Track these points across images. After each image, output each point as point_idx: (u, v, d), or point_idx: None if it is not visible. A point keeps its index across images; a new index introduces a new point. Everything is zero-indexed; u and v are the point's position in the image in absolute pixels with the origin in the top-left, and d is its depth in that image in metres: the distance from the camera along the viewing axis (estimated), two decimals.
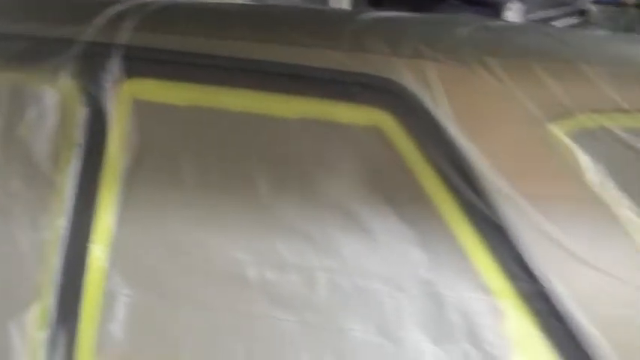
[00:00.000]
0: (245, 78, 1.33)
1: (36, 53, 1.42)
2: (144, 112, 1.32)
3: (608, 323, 1.19)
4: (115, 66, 1.33)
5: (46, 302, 1.34)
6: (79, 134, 1.36)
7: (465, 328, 1.20)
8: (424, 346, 1.19)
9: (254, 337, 1.23)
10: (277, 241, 1.26)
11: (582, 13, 3.89)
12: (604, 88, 1.32)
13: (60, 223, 1.34)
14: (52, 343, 1.33)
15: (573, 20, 3.79)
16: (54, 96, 1.40)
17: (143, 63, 1.34)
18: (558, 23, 3.59)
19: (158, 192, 1.29)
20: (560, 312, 1.19)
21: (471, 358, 1.18)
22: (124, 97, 1.32)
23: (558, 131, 1.31)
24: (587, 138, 1.31)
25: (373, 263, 1.25)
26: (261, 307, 1.23)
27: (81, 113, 1.36)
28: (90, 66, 1.36)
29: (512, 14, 3.25)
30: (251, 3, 2.01)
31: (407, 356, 1.18)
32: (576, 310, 1.18)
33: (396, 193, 1.30)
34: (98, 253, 1.30)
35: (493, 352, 1.19)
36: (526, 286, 1.22)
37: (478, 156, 1.27)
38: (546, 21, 3.51)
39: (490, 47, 1.39)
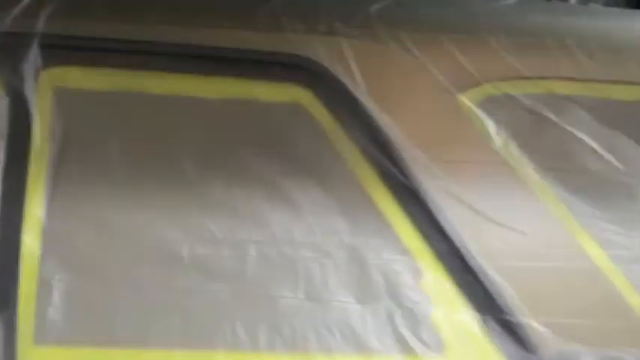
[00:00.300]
0: (165, 61, 1.35)
1: None
2: (66, 99, 1.32)
3: (514, 274, 1.32)
4: (33, 55, 1.32)
5: None
6: (2, 125, 1.37)
7: (388, 287, 1.31)
8: (350, 306, 1.28)
9: (189, 311, 1.27)
10: (207, 218, 1.30)
11: None
12: (507, 57, 1.43)
13: None
14: None
15: None
16: None
17: (62, 51, 1.33)
18: None
19: (86, 177, 1.30)
20: (472, 267, 1.31)
21: (394, 314, 1.29)
22: (44, 85, 1.32)
23: (467, 100, 1.41)
24: (492, 105, 1.41)
25: (300, 233, 1.32)
26: (194, 282, 1.28)
27: (3, 104, 1.36)
28: (9, 56, 1.34)
29: None
30: None
31: (335, 317, 1.27)
32: (486, 264, 1.31)
33: (319, 166, 1.37)
34: (30, 241, 1.31)
35: (413, 307, 1.30)
36: (441, 245, 1.33)
37: (393, 127, 1.36)
38: None
39: (402, 22, 1.47)
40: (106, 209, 1.30)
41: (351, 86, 1.37)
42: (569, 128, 1.41)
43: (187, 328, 1.26)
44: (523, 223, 1.34)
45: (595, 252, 1.35)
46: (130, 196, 1.31)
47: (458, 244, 1.31)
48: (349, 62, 1.39)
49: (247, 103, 1.39)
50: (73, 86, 1.33)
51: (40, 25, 1.31)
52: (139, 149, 1.34)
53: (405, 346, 1.26)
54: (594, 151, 1.41)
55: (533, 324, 1.28)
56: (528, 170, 1.37)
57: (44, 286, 1.25)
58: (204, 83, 1.37)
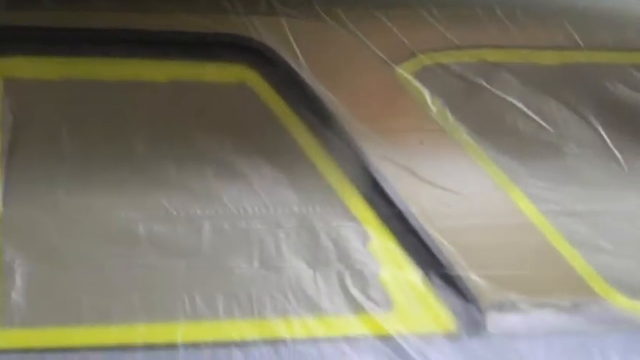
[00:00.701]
0: (113, 48, 1.39)
1: None
2: (16, 89, 1.35)
3: (453, 232, 1.40)
4: None
5: None
6: None
7: (337, 252, 1.38)
8: (303, 271, 1.35)
9: (149, 286, 1.32)
10: (161, 196, 1.35)
11: None
12: (439, 29, 1.50)
13: None
14: None
15: None
16: None
17: (9, 41, 1.36)
18: None
19: (40, 163, 1.34)
20: (415, 228, 1.40)
21: (344, 276, 1.37)
22: None
23: (404, 72, 1.49)
24: (427, 75, 1.49)
25: (251, 206, 1.39)
26: (153, 259, 1.33)
27: None
28: None
29: None
30: None
31: (288, 282, 1.34)
32: (427, 224, 1.39)
33: (267, 142, 1.44)
34: None
35: (362, 269, 1.38)
36: (385, 210, 1.41)
37: (335, 100, 1.43)
38: None
39: (339, 0, 1.53)
40: (61, 193, 1.34)
41: (293, 64, 1.43)
42: (499, 93, 1.49)
43: (148, 303, 1.32)
44: (460, 185, 1.43)
45: (527, 207, 1.45)
46: (85, 180, 1.35)
47: (401, 207, 1.39)
48: (290, 40, 1.45)
49: (194, 85, 1.43)
50: (23, 76, 1.36)
51: None
52: (91, 134, 1.37)
53: (355, 305, 1.34)
54: (523, 114, 1.50)
55: (472, 277, 1.37)
56: (463, 135, 1.46)
57: (6, 271, 1.29)
58: (152, 67, 1.42)
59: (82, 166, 1.35)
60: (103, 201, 1.34)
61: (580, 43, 1.54)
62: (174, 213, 1.36)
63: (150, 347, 1.27)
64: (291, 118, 1.43)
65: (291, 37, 1.43)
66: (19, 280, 1.30)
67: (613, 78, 1.54)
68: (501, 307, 1.38)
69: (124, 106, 1.40)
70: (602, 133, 1.52)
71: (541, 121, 1.49)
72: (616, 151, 1.52)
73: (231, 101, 1.42)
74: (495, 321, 1.37)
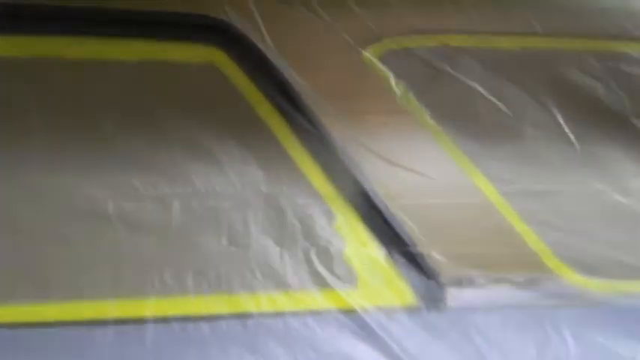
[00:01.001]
0: (80, 26, 1.39)
1: None
2: None
3: (415, 211, 1.45)
4: None
5: None
6: None
7: (303, 230, 1.42)
8: (270, 249, 1.39)
9: (119, 264, 1.34)
10: (130, 175, 1.37)
11: None
12: (405, 13, 1.54)
13: None
14: None
15: None
16: None
17: None
18: None
19: (8, 143, 1.33)
20: (378, 207, 1.44)
21: (310, 253, 1.40)
22: None
23: (369, 55, 1.52)
24: (392, 58, 1.53)
25: (220, 186, 1.41)
26: (122, 236, 1.35)
27: None
28: None
29: None
30: None
31: (256, 259, 1.37)
32: (390, 203, 1.44)
33: (235, 122, 1.46)
34: None
35: (327, 246, 1.42)
36: (350, 189, 1.45)
37: (302, 82, 1.46)
38: None
39: None
40: (30, 173, 1.34)
41: (261, 45, 1.45)
42: (461, 78, 1.53)
43: (118, 279, 1.34)
44: (423, 166, 1.47)
45: (486, 188, 1.50)
46: (54, 159, 1.36)
47: (365, 187, 1.43)
48: (259, 23, 1.46)
49: (162, 65, 1.44)
50: None
51: None
52: (58, 113, 1.38)
53: (321, 281, 1.38)
54: (485, 98, 1.54)
55: (432, 254, 1.42)
56: (426, 117, 1.50)
57: None
58: (119, 46, 1.42)
59: (51, 145, 1.35)
60: (72, 179, 1.35)
61: (539, 29, 1.58)
62: (144, 192, 1.38)
63: (120, 322, 1.29)
64: (259, 100, 1.45)
65: (259, 20, 1.45)
66: None
67: (569, 64, 1.60)
68: (460, 282, 1.44)
69: (93, 85, 1.40)
70: (558, 116, 1.58)
71: (501, 105, 1.54)
72: (571, 135, 1.58)
73: (199, 82, 1.44)
74: (454, 296, 1.43)
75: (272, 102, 1.44)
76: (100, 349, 1.28)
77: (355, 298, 1.39)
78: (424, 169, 1.47)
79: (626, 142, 1.61)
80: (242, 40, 1.44)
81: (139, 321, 1.31)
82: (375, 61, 1.51)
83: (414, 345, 1.37)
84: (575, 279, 1.51)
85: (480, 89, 1.55)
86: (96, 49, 1.41)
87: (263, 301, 1.36)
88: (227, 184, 1.42)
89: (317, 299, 1.38)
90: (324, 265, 1.40)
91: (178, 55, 1.42)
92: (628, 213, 1.57)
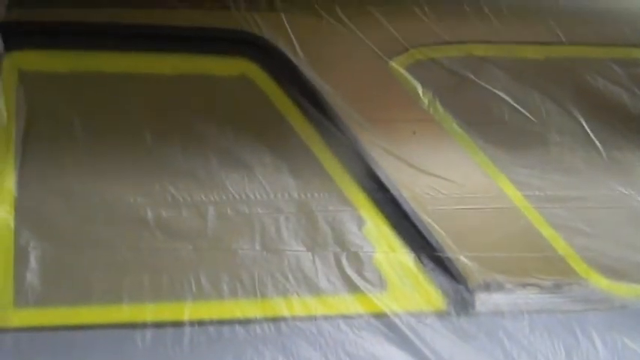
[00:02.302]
0: (119, 41, 1.43)
1: None
2: (30, 81, 1.39)
3: (443, 216, 1.47)
4: None
5: None
6: None
7: (334, 235, 1.44)
8: (302, 254, 1.41)
9: (157, 267, 1.38)
10: (168, 183, 1.40)
11: None
12: (430, 25, 1.56)
13: None
14: None
15: None
16: None
17: (23, 36, 1.39)
18: None
19: (52, 152, 1.38)
20: (407, 213, 1.46)
21: (341, 258, 1.42)
22: (8, 69, 1.38)
23: (397, 65, 1.54)
24: (419, 68, 1.55)
25: (253, 193, 1.44)
26: (160, 242, 1.38)
27: None
28: None
29: None
30: None
31: (288, 264, 1.40)
32: (419, 209, 1.45)
33: (267, 131, 1.49)
34: (4, 214, 1.38)
35: (358, 251, 1.43)
36: (379, 195, 1.47)
37: (332, 92, 1.48)
38: None
39: None
40: (73, 180, 1.39)
41: (292, 57, 1.48)
42: (486, 86, 1.55)
43: (156, 283, 1.37)
44: (450, 172, 1.48)
45: (513, 194, 1.51)
46: (95, 167, 1.40)
47: (394, 193, 1.45)
48: (290, 35, 1.49)
49: (198, 78, 1.48)
50: (36, 69, 1.40)
51: (1, 13, 1.38)
52: (100, 124, 1.42)
53: (351, 286, 1.40)
54: (510, 106, 1.55)
55: (461, 259, 1.43)
56: (452, 125, 1.52)
57: (21, 253, 1.34)
58: (157, 60, 1.46)
59: (93, 154, 1.39)
60: (113, 187, 1.39)
61: (562, 38, 1.59)
62: (180, 199, 1.41)
63: (158, 325, 1.33)
64: (291, 109, 1.48)
65: (290, 32, 1.48)
66: (33, 262, 1.35)
67: (593, 71, 1.60)
68: (488, 286, 1.45)
69: (131, 97, 1.44)
70: (583, 123, 1.59)
71: (526, 112, 1.55)
72: (596, 140, 1.59)
73: (233, 93, 1.47)
74: (483, 300, 1.44)
75: (303, 111, 1.47)
76: (138, 351, 1.31)
77: (385, 302, 1.40)
78: (451, 176, 1.48)
79: None
80: (274, 53, 1.46)
81: (177, 324, 1.34)
82: (402, 70, 1.53)
83: (444, 348, 1.37)
84: (602, 283, 1.50)
85: (505, 97, 1.56)
86: (134, 63, 1.45)
87: (296, 305, 1.38)
88: (260, 191, 1.45)
89: (348, 303, 1.40)
90: (354, 269, 1.42)
91: (213, 68, 1.46)
92: None
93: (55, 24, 1.41)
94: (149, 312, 1.34)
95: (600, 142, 1.58)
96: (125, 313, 1.34)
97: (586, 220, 1.52)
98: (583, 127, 1.58)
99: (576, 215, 1.52)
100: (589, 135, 1.57)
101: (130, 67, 1.44)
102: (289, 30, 1.49)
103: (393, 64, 1.52)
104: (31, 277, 1.33)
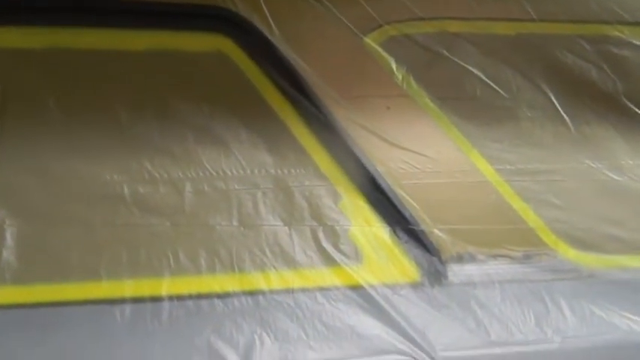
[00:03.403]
0: (93, 18, 1.41)
1: None
2: (3, 58, 1.37)
3: (417, 190, 1.49)
4: None
5: None
6: None
7: (310, 210, 1.45)
8: (279, 228, 1.42)
9: (135, 244, 1.38)
10: (144, 160, 1.40)
11: None
12: (404, 1, 1.56)
13: None
14: None
15: None
16: None
17: None
18: None
19: (27, 130, 1.36)
20: (382, 187, 1.47)
21: (317, 232, 1.44)
22: None
23: (371, 41, 1.55)
24: (393, 44, 1.55)
25: (230, 168, 1.44)
26: (137, 218, 1.38)
27: None
28: None
29: None
30: None
31: (266, 238, 1.41)
32: (393, 183, 1.47)
33: (243, 107, 1.48)
34: None
35: (334, 225, 1.45)
36: (354, 170, 1.48)
37: (307, 68, 1.48)
38: None
39: None
40: (48, 158, 1.37)
41: (267, 33, 1.47)
42: (459, 62, 1.56)
43: (134, 260, 1.37)
44: (423, 147, 1.50)
45: (485, 167, 1.53)
46: (71, 145, 1.38)
47: (369, 168, 1.46)
48: (264, 11, 1.48)
49: (173, 54, 1.46)
50: (8, 45, 1.37)
51: None
52: (75, 101, 1.40)
53: (328, 259, 1.42)
54: (482, 81, 1.56)
55: (435, 231, 1.46)
56: (426, 101, 1.53)
57: None
58: (132, 37, 1.44)
59: (68, 131, 1.38)
60: (89, 165, 1.38)
61: (533, 15, 1.61)
62: (157, 175, 1.41)
63: (137, 300, 1.33)
64: (267, 86, 1.47)
65: (265, 9, 1.47)
66: (9, 239, 1.33)
67: (563, 48, 1.62)
68: (461, 258, 1.48)
69: (106, 74, 1.42)
70: (553, 98, 1.61)
71: (497, 88, 1.57)
72: (565, 115, 1.61)
73: (208, 69, 1.46)
74: (455, 271, 1.47)
75: (279, 87, 1.46)
76: (118, 326, 1.31)
77: (361, 275, 1.42)
78: (425, 150, 1.50)
79: (618, 122, 1.64)
80: (249, 29, 1.45)
81: (155, 299, 1.34)
82: (377, 47, 1.54)
83: (418, 318, 1.40)
84: (570, 253, 1.54)
85: (478, 73, 1.57)
86: (109, 40, 1.43)
87: (273, 279, 1.39)
88: (237, 167, 1.45)
89: (325, 276, 1.41)
90: (331, 243, 1.43)
91: (188, 44, 1.44)
92: (620, 190, 1.61)
93: (28, 0, 1.39)
94: (127, 288, 1.34)
95: (569, 117, 1.61)
96: (103, 289, 1.34)
97: (555, 192, 1.56)
98: (553, 102, 1.61)
99: (546, 188, 1.56)
100: (558, 110, 1.60)
101: (105, 44, 1.42)
102: (264, 6, 1.47)
103: (368, 40, 1.53)
104: (8, 254, 1.32)
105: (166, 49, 1.45)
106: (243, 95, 1.46)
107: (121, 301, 1.32)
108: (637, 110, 1.65)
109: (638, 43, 1.69)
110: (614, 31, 1.67)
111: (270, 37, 1.46)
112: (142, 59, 1.43)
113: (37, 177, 1.35)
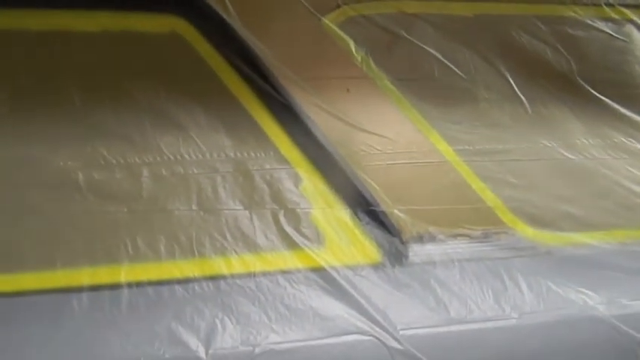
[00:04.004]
0: None
1: None
2: None
3: (378, 172, 1.49)
4: None
5: None
6: None
7: (271, 193, 1.44)
8: (239, 212, 1.40)
9: (91, 232, 1.34)
10: (99, 145, 1.36)
11: None
12: None
13: None
14: None
15: None
16: None
17: None
18: None
19: None
20: (343, 169, 1.47)
21: (279, 215, 1.42)
22: None
23: (329, 22, 1.54)
24: (351, 25, 1.55)
25: (188, 153, 1.41)
26: (93, 205, 1.35)
27: None
28: None
29: None
30: None
31: (226, 222, 1.39)
32: (354, 165, 1.47)
33: (201, 90, 1.45)
34: None
35: (295, 208, 1.44)
36: (315, 153, 1.47)
37: (265, 49, 1.46)
38: None
39: None
40: (2, 147, 1.32)
41: (223, 14, 1.45)
42: (417, 43, 1.56)
43: (91, 247, 1.34)
44: (383, 129, 1.50)
45: (444, 148, 1.54)
46: (22, 130, 1.34)
47: (329, 150, 1.46)
48: None
49: (127, 35, 1.43)
50: None
51: None
52: (25, 85, 1.35)
53: (290, 242, 1.41)
54: (440, 62, 1.57)
55: (395, 212, 1.46)
56: (385, 82, 1.53)
57: None
58: (83, 17, 1.40)
59: (19, 116, 1.33)
60: (42, 151, 1.34)
61: None
62: (113, 161, 1.37)
63: (95, 288, 1.30)
64: (224, 68, 1.45)
65: None
66: None
67: (518, 28, 1.65)
68: (421, 238, 1.49)
69: (57, 57, 1.38)
70: (510, 79, 1.63)
71: (455, 69, 1.58)
72: (522, 96, 1.63)
73: (163, 51, 1.43)
74: (416, 251, 1.48)
75: (236, 69, 1.44)
76: (75, 315, 1.28)
77: (323, 257, 1.42)
78: (385, 132, 1.50)
79: (573, 102, 1.67)
80: (205, 9, 1.42)
81: (114, 286, 1.31)
82: (335, 27, 1.53)
83: (380, 298, 1.40)
84: (528, 232, 1.56)
85: (436, 54, 1.57)
86: (59, 20, 1.38)
87: (234, 263, 1.37)
88: (195, 151, 1.43)
89: (287, 259, 1.40)
90: (292, 226, 1.42)
91: (142, 25, 1.41)
92: (575, 169, 1.64)
93: None
94: (85, 276, 1.30)
95: (526, 98, 1.63)
96: (60, 278, 1.30)
97: (512, 172, 1.58)
98: (509, 83, 1.62)
99: (503, 168, 1.58)
100: (515, 91, 1.62)
101: (55, 25, 1.37)
102: None
103: (326, 20, 1.52)
104: None
105: (119, 30, 1.40)
106: (200, 77, 1.44)
107: (79, 289, 1.29)
108: (591, 90, 1.68)
109: (592, 23, 1.72)
110: (569, 12, 1.70)
111: (226, 18, 1.44)
112: (94, 41, 1.39)
113: None
